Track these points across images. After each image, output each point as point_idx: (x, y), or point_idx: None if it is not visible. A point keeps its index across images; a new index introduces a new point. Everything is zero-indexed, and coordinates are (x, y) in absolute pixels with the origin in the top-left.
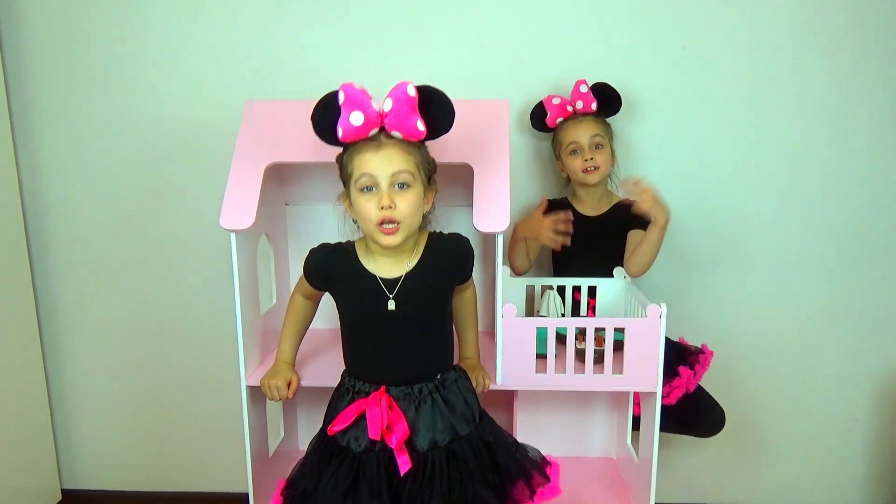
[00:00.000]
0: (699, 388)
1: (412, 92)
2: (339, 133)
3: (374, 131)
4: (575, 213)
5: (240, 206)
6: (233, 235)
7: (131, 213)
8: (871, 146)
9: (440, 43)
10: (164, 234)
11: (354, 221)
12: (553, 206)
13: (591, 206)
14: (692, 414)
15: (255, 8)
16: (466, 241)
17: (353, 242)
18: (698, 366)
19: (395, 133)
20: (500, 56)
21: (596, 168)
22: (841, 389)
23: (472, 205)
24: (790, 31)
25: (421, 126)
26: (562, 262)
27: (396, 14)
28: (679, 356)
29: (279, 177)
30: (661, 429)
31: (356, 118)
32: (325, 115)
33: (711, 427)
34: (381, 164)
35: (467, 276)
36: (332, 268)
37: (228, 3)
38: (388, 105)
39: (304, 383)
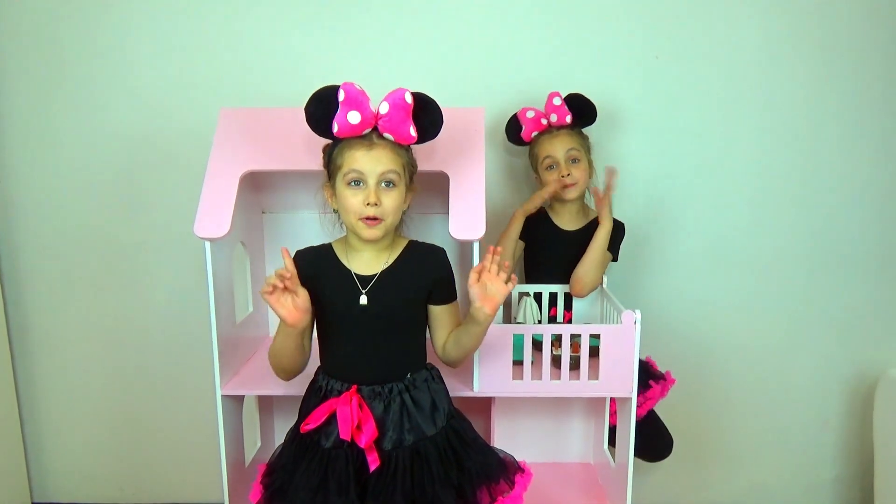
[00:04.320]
0: (652, 413)
1: (409, 99)
2: (335, 129)
3: (367, 130)
4: (552, 226)
5: (215, 215)
6: (207, 244)
7: (104, 220)
8: (842, 153)
9: (415, 50)
10: (138, 242)
11: (335, 211)
12: (531, 218)
13: (567, 220)
14: (642, 438)
15: (229, 15)
16: (442, 253)
17: (331, 244)
18: (656, 387)
19: (387, 135)
20: (474, 64)
21: (574, 183)
22: (813, 392)
23: (448, 213)
24: (762, 40)
25: (413, 132)
26: (535, 275)
27: (372, 21)
28: (642, 377)
29: (255, 185)
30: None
31: (353, 117)
32: (321, 108)
33: (658, 453)
34: (372, 162)
35: (443, 297)
36: (310, 267)
37: (203, 10)
38: (384, 108)
39: (280, 392)
